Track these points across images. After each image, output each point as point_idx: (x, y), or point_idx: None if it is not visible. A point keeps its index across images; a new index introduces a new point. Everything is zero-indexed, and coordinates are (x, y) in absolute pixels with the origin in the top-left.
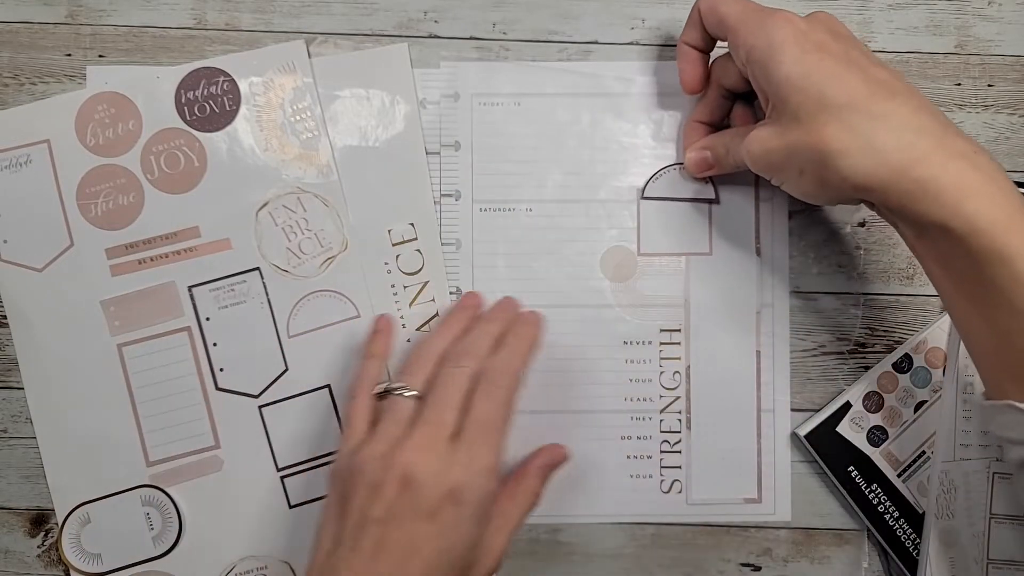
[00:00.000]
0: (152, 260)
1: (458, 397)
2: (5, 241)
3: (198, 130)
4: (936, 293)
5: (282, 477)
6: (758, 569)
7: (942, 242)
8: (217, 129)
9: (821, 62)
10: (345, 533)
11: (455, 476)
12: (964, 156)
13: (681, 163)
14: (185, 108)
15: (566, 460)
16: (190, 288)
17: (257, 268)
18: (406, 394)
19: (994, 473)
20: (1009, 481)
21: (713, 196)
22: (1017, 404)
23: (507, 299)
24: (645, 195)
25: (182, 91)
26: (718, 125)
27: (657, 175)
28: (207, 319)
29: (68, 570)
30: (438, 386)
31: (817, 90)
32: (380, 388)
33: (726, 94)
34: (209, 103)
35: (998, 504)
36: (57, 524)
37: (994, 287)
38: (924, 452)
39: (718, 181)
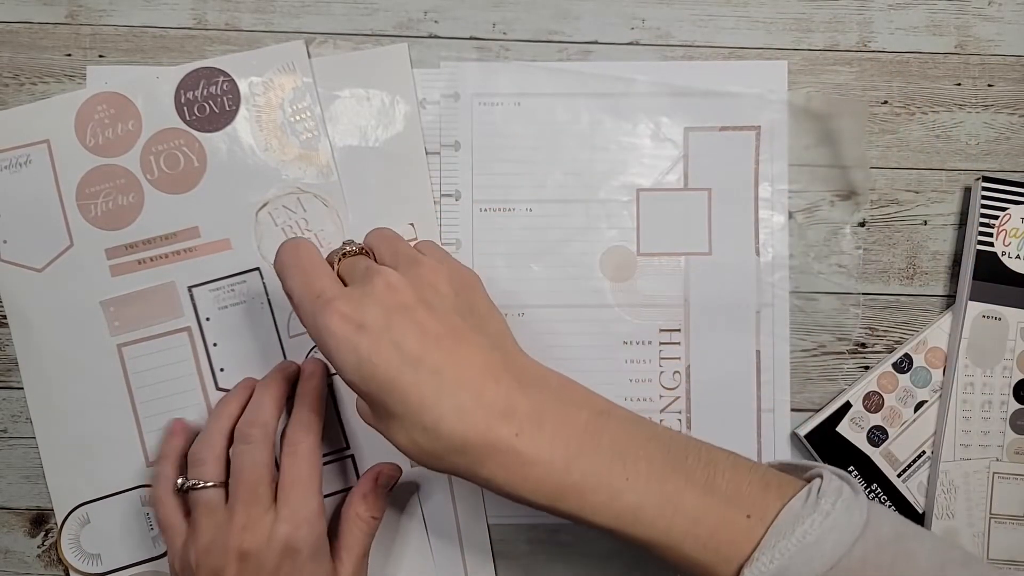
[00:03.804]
0: (152, 260)
1: (261, 471)
2: (5, 241)
3: (198, 130)
4: (936, 293)
5: None
6: None
7: None
8: (217, 129)
9: (374, 372)
10: None
11: (284, 533)
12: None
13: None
14: (185, 108)
15: (393, 477)
16: (190, 288)
17: (257, 268)
18: (204, 486)
19: (994, 473)
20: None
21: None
22: None
23: (281, 363)
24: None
25: (182, 91)
26: None
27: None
28: (207, 319)
29: (67, 570)
30: (239, 468)
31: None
32: (178, 485)
33: None
34: (209, 103)
35: (998, 504)
36: (57, 524)
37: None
38: (924, 452)
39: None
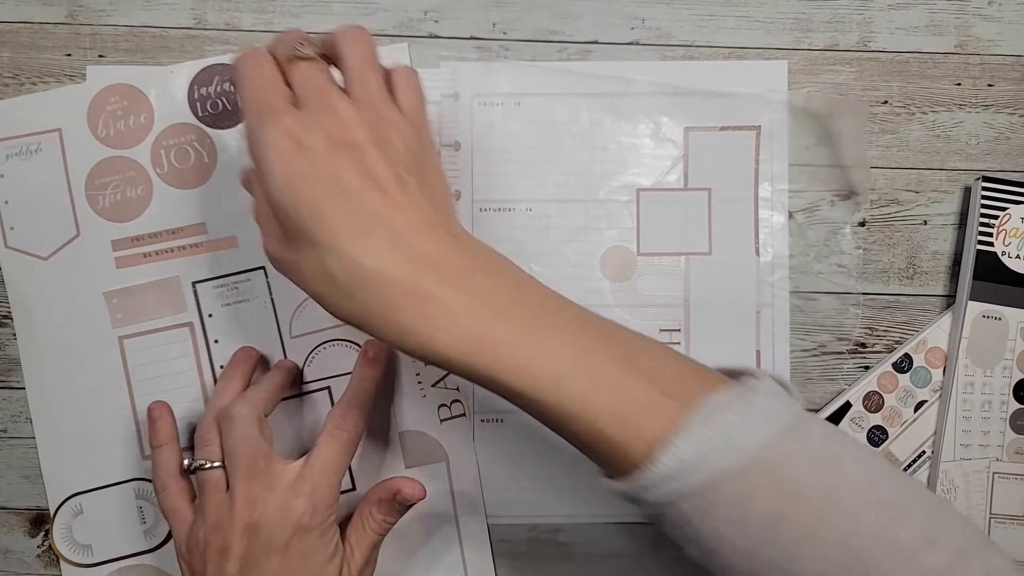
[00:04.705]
0: (157, 254)
1: (254, 446)
2: (12, 228)
3: (210, 126)
4: (936, 293)
5: None
6: None
7: None
8: (229, 126)
9: (303, 193)
10: None
11: (300, 509)
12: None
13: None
14: (198, 104)
15: (414, 498)
16: (194, 284)
17: (262, 267)
18: (211, 467)
19: (994, 473)
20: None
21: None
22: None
23: (283, 361)
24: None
25: (195, 87)
26: None
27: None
28: (209, 315)
29: (59, 559)
30: (229, 449)
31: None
32: (186, 466)
33: None
34: (222, 99)
35: (998, 504)
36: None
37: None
38: (924, 452)
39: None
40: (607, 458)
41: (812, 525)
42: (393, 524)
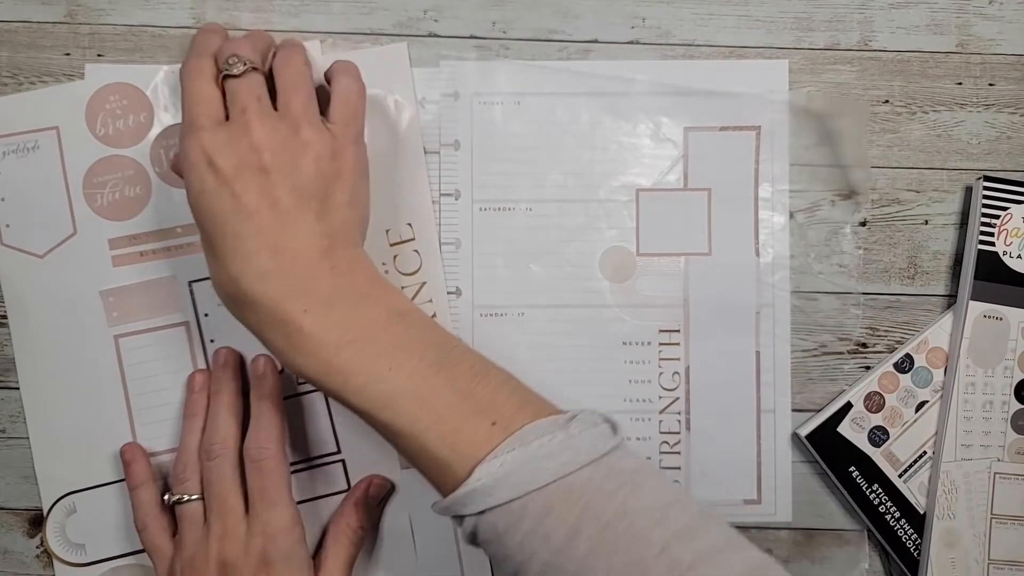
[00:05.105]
0: (154, 253)
1: (228, 483)
2: (8, 225)
3: None
4: (937, 293)
5: None
6: None
7: None
8: None
9: (210, 208)
10: None
11: (258, 546)
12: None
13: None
14: None
15: (383, 487)
16: (190, 283)
17: None
18: (188, 499)
19: (995, 473)
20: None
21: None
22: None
23: (222, 357)
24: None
25: None
26: None
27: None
28: (206, 315)
29: (51, 558)
30: (208, 483)
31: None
32: (166, 501)
33: None
34: None
35: (999, 505)
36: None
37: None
38: (925, 452)
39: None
40: (436, 476)
41: (603, 539)
42: (366, 531)
